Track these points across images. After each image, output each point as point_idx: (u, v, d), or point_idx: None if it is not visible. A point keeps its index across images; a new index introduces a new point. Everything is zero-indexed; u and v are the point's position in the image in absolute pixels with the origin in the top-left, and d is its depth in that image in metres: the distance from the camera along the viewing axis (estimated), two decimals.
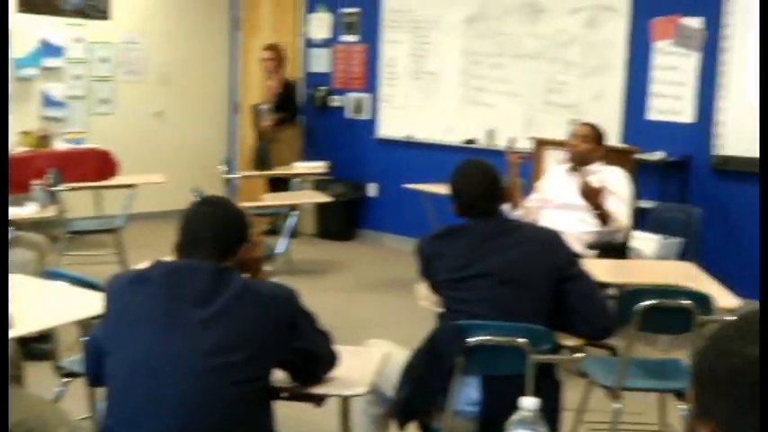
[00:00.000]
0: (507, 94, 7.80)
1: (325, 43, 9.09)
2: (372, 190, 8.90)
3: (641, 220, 6.45)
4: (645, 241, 5.97)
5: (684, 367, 3.73)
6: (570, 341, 3.16)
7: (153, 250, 3.73)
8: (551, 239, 3.12)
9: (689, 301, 3.40)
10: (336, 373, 2.52)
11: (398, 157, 8.61)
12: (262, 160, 8.60)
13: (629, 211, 5.17)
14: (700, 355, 1.17)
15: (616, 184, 5.14)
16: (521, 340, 2.90)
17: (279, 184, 8.16)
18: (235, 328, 2.26)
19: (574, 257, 3.11)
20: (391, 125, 8.65)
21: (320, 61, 9.15)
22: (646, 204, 6.53)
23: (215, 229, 2.43)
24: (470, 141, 8.00)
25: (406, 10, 8.39)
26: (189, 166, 8.98)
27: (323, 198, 7.40)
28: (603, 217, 4.93)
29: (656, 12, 6.86)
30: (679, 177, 6.84)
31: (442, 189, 6.86)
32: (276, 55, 8.63)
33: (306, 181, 8.69)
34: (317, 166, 7.86)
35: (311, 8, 9.13)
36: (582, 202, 4.94)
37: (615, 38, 7.13)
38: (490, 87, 7.91)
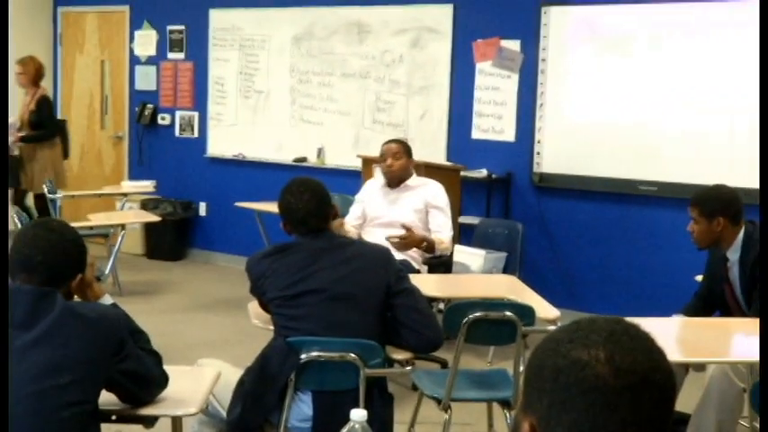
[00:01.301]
0: (336, 112, 7.89)
1: (152, 60, 8.94)
2: (202, 209, 8.79)
3: (466, 235, 6.66)
4: (470, 256, 6.15)
5: (510, 377, 3.87)
6: (400, 355, 3.22)
7: None
8: (380, 255, 3.19)
9: (512, 314, 3.54)
10: (167, 393, 2.49)
11: (229, 175, 8.55)
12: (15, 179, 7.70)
13: (450, 223, 5.36)
14: (534, 352, 1.25)
15: (438, 198, 5.32)
16: (352, 355, 2.95)
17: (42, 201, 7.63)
18: (59, 350, 2.20)
19: (402, 273, 3.19)
20: (221, 143, 8.59)
21: (147, 78, 8.98)
22: (471, 220, 6.75)
23: (49, 256, 2.35)
24: (301, 159, 8.04)
25: (234, 28, 8.36)
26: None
27: (151, 218, 7.27)
28: (430, 248, 5.10)
29: (478, 34, 7.10)
30: (502, 194, 7.10)
31: (272, 207, 6.90)
32: (29, 69, 7.85)
33: (132, 200, 8.51)
34: (145, 185, 7.72)
35: (137, 25, 8.96)
36: (410, 211, 5.11)
37: (440, 58, 7.34)
38: (319, 106, 7.98)
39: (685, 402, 4.14)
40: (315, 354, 2.92)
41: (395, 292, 3.10)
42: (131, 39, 9.01)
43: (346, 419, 1.95)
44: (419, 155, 7.15)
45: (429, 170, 6.55)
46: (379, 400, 3.03)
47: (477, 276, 4.90)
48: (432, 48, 7.38)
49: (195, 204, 8.79)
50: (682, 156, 6.36)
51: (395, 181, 5.34)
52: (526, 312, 3.59)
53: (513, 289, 4.16)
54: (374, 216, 5.37)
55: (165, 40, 8.82)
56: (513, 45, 6.99)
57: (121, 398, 2.42)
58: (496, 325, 3.57)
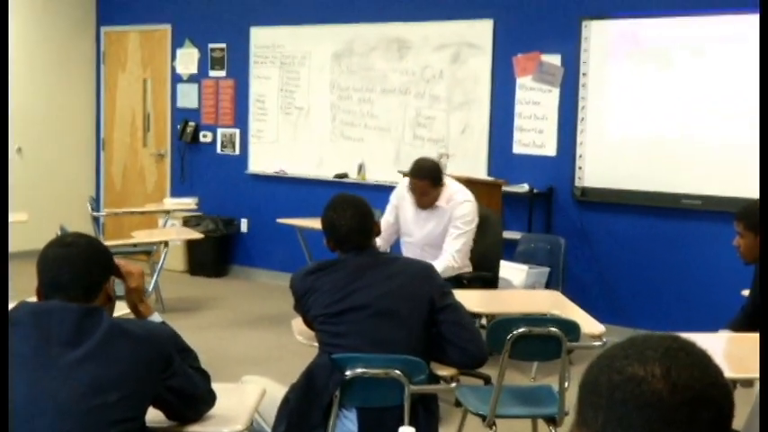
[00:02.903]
0: (376, 128, 7.91)
1: (194, 78, 9.03)
2: (244, 225, 8.85)
3: (509, 250, 6.63)
4: (513, 271, 6.14)
5: (555, 393, 3.84)
6: (444, 371, 3.21)
7: (17, 291, 3.62)
8: (424, 271, 3.19)
9: (556, 329, 3.51)
10: (212, 410, 2.50)
11: (270, 191, 8.60)
12: None
13: (459, 244, 5.11)
14: (588, 369, 1.24)
15: (458, 219, 5.09)
16: (396, 372, 2.94)
17: None
18: (107, 368, 2.21)
19: (446, 288, 3.18)
20: (262, 160, 8.64)
21: (189, 96, 9.07)
22: (513, 235, 6.72)
23: (74, 270, 2.36)
24: (342, 176, 8.06)
25: (274, 45, 8.42)
26: (54, 204, 8.73)
27: (193, 234, 7.31)
28: None
29: (518, 49, 7.10)
30: (544, 208, 7.07)
31: (314, 223, 6.92)
32: None
33: (175, 217, 8.59)
34: (187, 203, 7.78)
35: (179, 43, 9.06)
36: (441, 240, 5.03)
37: (480, 74, 7.34)
38: (359, 122, 8.01)
39: (734, 420, 4.09)
40: (359, 370, 2.92)
41: (439, 308, 3.09)
42: (173, 57, 9.11)
43: None
44: (460, 169, 7.18)
45: (470, 185, 6.54)
46: (424, 416, 3.02)
47: (520, 292, 4.87)
48: (472, 63, 7.38)
49: (237, 221, 8.85)
50: (725, 169, 6.29)
51: (427, 208, 5.16)
52: (571, 328, 3.56)
53: (557, 304, 4.13)
54: (405, 231, 5.28)
55: (206, 58, 8.90)
56: (554, 59, 6.97)
57: (168, 415, 2.43)
58: (541, 340, 3.54)
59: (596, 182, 6.84)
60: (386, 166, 7.77)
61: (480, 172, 7.26)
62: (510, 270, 6.13)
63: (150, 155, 9.40)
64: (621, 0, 6.71)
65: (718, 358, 3.47)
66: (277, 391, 3.13)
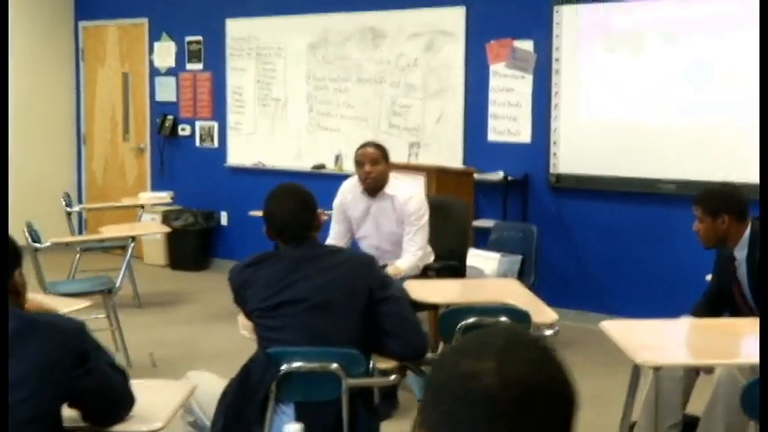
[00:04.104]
0: (353, 118, 7.87)
1: (172, 71, 8.98)
2: (224, 218, 8.81)
3: (482, 238, 6.60)
4: (485, 260, 6.09)
5: None
6: (386, 363, 3.17)
7: None
8: (363, 262, 3.15)
9: (507, 318, 3.48)
10: (136, 408, 2.46)
11: (249, 184, 8.55)
12: None
13: (420, 239, 4.99)
14: (432, 366, 1.21)
15: (412, 213, 4.96)
16: (334, 365, 2.91)
17: None
18: (17, 364, 2.17)
19: (386, 280, 3.14)
20: (240, 153, 8.60)
21: (167, 90, 9.02)
22: (486, 223, 6.68)
23: None
24: (319, 166, 8.02)
25: (250, 37, 8.38)
26: (32, 199, 8.68)
27: (163, 229, 7.29)
28: None
29: (491, 36, 7.04)
30: (519, 196, 7.02)
31: None
32: None
33: (155, 211, 8.56)
34: (162, 197, 7.75)
35: (156, 36, 9.01)
36: (397, 237, 4.97)
37: (454, 61, 7.28)
38: (336, 112, 7.97)
39: (696, 406, 4.06)
40: (295, 365, 2.89)
41: (378, 300, 3.05)
42: (151, 50, 9.06)
43: (330, 431, 1.92)
44: (436, 158, 7.15)
45: (441, 174, 6.52)
46: (364, 410, 2.98)
47: (479, 281, 4.83)
48: (445, 51, 7.32)
49: (217, 214, 8.81)
50: (699, 153, 6.24)
51: (373, 189, 5.03)
52: (522, 317, 3.53)
53: (514, 293, 4.10)
54: (360, 232, 5.14)
55: (183, 51, 8.86)
56: (527, 45, 6.92)
57: (84, 416, 2.39)
58: None
59: (571, 168, 6.79)
60: None
61: (456, 160, 7.22)
62: (482, 259, 6.09)
63: (130, 149, 9.37)
64: None
65: (679, 345, 3.45)
66: (221, 386, 3.10)
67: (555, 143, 6.84)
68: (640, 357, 3.12)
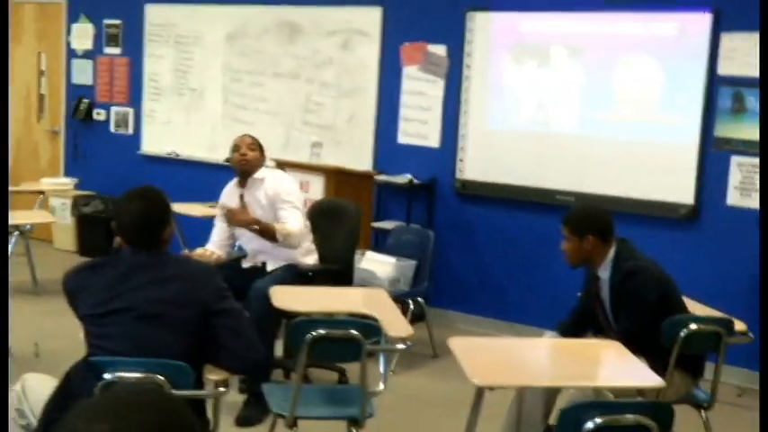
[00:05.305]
0: (267, 112, 7.80)
1: (89, 54, 8.83)
2: None
3: (381, 241, 6.59)
4: (379, 264, 6.08)
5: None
6: (215, 375, 3.13)
7: None
8: (200, 273, 3.09)
9: (356, 331, 3.45)
10: None
11: (162, 173, 8.42)
12: None
13: (299, 215, 5.05)
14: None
15: (282, 192, 5.04)
16: (159, 377, 2.86)
17: None
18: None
19: (224, 292, 3.08)
20: (155, 141, 8.49)
21: (84, 73, 8.87)
22: (385, 225, 6.67)
23: None
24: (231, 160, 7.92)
25: (168, 24, 8.26)
26: None
27: (47, 218, 7.23)
28: (266, 233, 4.90)
29: (406, 38, 7.02)
30: (425, 200, 7.00)
31: (192, 209, 6.81)
32: None
33: (65, 196, 8.43)
34: (64, 183, 7.61)
35: (74, 18, 8.86)
36: (268, 214, 4.99)
37: (368, 62, 7.24)
38: (251, 105, 7.89)
39: None
40: (117, 375, 2.84)
41: (214, 312, 2.99)
42: (68, 32, 8.90)
43: None
44: (345, 158, 7.13)
45: (341, 176, 6.50)
46: None
47: (345, 290, 4.78)
48: (360, 50, 7.28)
49: None
50: (599, 166, 6.28)
51: (246, 174, 5.11)
52: (373, 330, 3.51)
53: (374, 303, 4.07)
54: (239, 233, 5.17)
55: (101, 34, 8.72)
56: (440, 50, 6.91)
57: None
58: (342, 342, 3.48)
59: (476, 175, 6.80)
60: (275, 150, 7.62)
61: (366, 161, 7.20)
62: (376, 263, 6.08)
63: (44, 131, 9.21)
64: None
65: (524, 365, 3.43)
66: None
67: (462, 149, 6.84)
68: (477, 378, 3.12)
